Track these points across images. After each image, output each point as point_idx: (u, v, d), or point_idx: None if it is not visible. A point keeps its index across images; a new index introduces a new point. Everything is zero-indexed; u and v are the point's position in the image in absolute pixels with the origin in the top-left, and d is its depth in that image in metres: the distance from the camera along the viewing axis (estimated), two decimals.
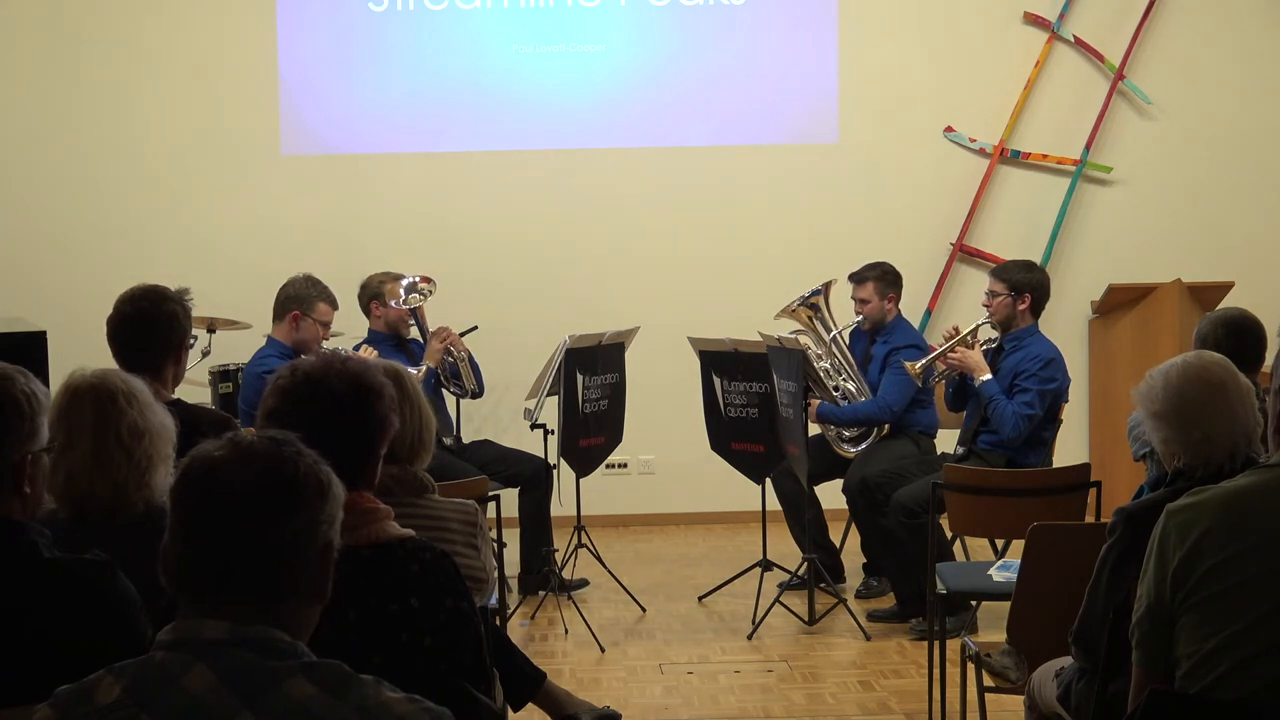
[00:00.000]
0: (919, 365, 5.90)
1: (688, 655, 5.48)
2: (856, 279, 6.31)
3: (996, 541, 5.79)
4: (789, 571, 6.10)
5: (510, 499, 5.80)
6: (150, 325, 3.74)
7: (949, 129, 7.89)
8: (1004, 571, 4.38)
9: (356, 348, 5.90)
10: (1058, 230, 7.87)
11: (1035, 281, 5.82)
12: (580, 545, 6.27)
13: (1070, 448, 7.15)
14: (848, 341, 6.37)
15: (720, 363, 6.18)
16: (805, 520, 5.99)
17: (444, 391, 6.30)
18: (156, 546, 1.78)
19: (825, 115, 7.86)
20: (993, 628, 5.35)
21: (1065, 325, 7.55)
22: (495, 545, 3.60)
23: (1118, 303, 7.59)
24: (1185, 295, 7.37)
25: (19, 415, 2.38)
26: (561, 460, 6.11)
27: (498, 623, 4.49)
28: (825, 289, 6.29)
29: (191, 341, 3.96)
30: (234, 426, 3.68)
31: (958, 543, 6.04)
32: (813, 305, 6.26)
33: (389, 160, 7.79)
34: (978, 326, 5.86)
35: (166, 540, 1.74)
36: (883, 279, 6.27)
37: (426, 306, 6.23)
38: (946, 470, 5.03)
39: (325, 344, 5.76)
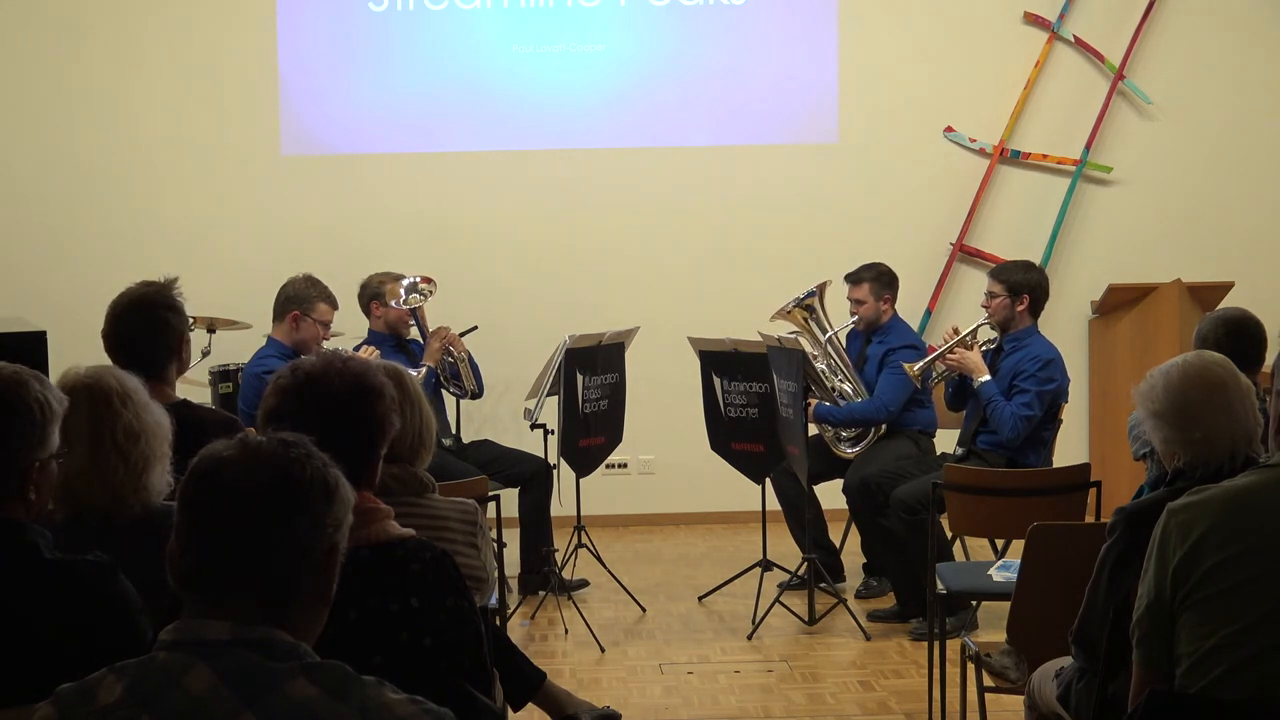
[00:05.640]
0: (918, 366, 5.90)
1: (688, 655, 5.48)
2: (852, 279, 6.31)
3: (996, 541, 5.79)
4: (789, 571, 6.11)
5: (510, 499, 5.80)
6: (146, 337, 3.71)
7: (949, 129, 7.89)
8: (1004, 571, 4.38)
9: (357, 348, 5.90)
10: (1058, 230, 7.87)
11: (1033, 282, 5.82)
12: (580, 545, 6.27)
13: (1070, 448, 7.15)
14: (844, 343, 6.37)
15: (720, 363, 6.18)
16: (805, 520, 5.99)
17: (444, 392, 6.31)
18: (153, 547, 1.78)
19: (825, 115, 7.86)
20: (993, 628, 5.35)
21: (1065, 325, 7.54)
22: (495, 545, 3.60)
23: (1118, 303, 7.59)
24: (1185, 295, 7.37)
25: (30, 423, 2.39)
26: (561, 460, 6.11)
27: (498, 623, 4.49)
28: (820, 290, 6.29)
29: (191, 326, 3.95)
30: (239, 428, 3.68)
31: (958, 543, 6.04)
32: (807, 307, 6.25)
33: (389, 160, 7.79)
34: (977, 327, 5.87)
35: (173, 539, 1.75)
36: (878, 280, 6.26)
37: (427, 307, 6.24)
38: (946, 470, 5.03)
39: (325, 344, 5.76)
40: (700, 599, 6.24)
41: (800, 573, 5.98)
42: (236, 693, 1.64)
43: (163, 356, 3.74)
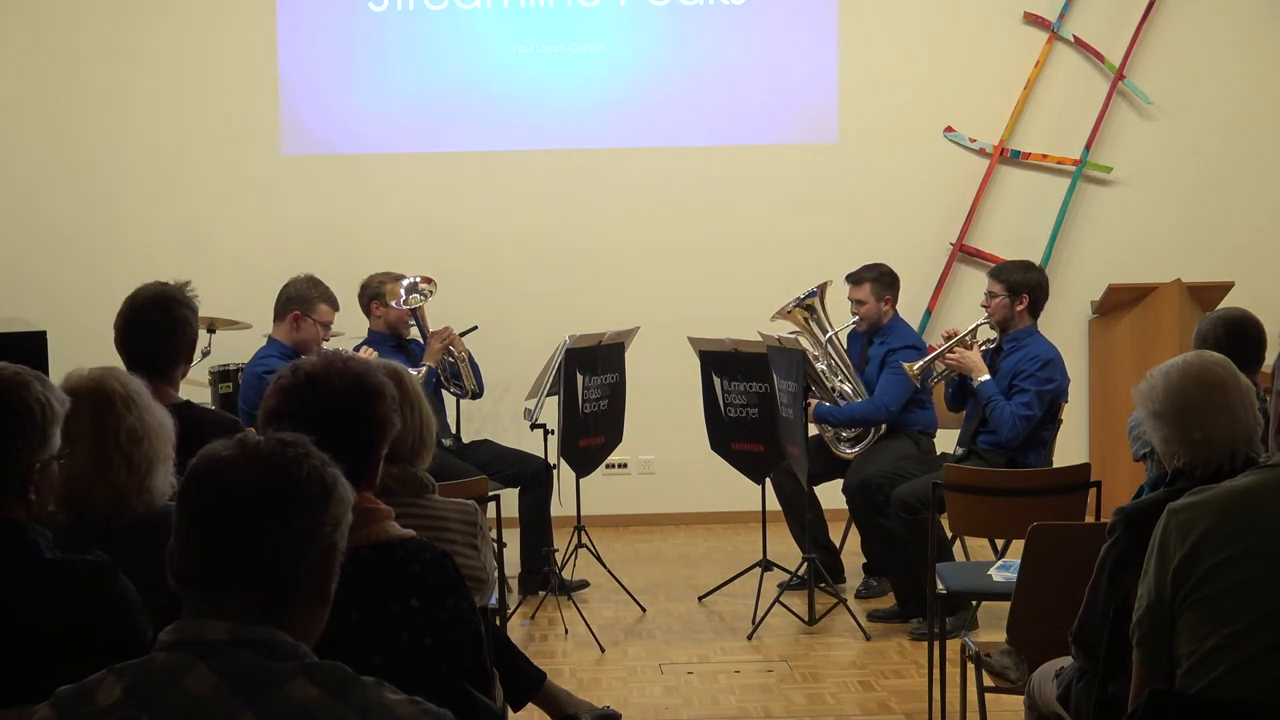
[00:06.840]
0: (918, 366, 5.90)
1: (688, 655, 5.48)
2: (854, 280, 6.31)
3: (996, 541, 5.79)
4: (789, 571, 6.11)
5: (510, 499, 5.80)
6: (163, 334, 3.71)
7: (949, 129, 7.89)
8: (1004, 571, 4.38)
9: (357, 348, 5.90)
10: (1058, 230, 7.87)
11: (1032, 282, 5.82)
12: (580, 545, 6.27)
13: (1070, 448, 7.15)
14: (845, 343, 6.37)
15: (720, 363, 6.18)
16: (805, 520, 5.99)
17: (444, 392, 6.31)
18: (154, 547, 1.78)
19: (825, 115, 7.86)
20: (993, 628, 5.35)
21: (1065, 325, 7.54)
22: (495, 545, 3.60)
23: (1118, 303, 7.59)
24: (1185, 295, 7.37)
25: (30, 424, 2.39)
26: (561, 460, 6.11)
27: (498, 623, 4.49)
28: (820, 290, 6.29)
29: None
30: (240, 429, 3.67)
31: (958, 543, 6.04)
32: (808, 307, 6.25)
33: (389, 160, 7.79)
34: (977, 327, 5.87)
35: (172, 539, 1.75)
36: (880, 280, 6.26)
37: (426, 307, 6.24)
38: (946, 470, 5.03)
39: (326, 344, 5.76)
40: (700, 599, 6.24)
41: (800, 573, 5.98)
42: (237, 693, 1.64)
43: (174, 355, 3.74)
